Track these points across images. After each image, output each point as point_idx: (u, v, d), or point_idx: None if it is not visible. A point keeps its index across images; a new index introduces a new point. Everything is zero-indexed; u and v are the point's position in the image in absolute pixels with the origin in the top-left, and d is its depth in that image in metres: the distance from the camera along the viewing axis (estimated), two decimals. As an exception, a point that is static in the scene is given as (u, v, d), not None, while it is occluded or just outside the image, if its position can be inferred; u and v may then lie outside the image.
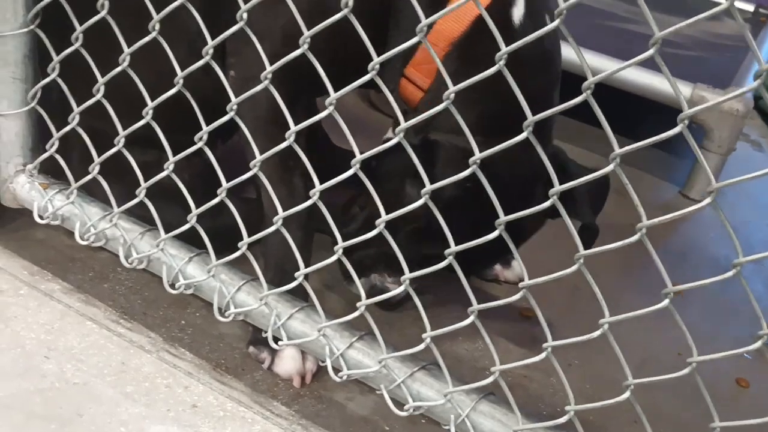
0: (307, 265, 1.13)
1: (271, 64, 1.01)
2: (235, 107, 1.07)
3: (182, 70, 1.09)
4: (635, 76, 2.09)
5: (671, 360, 1.46)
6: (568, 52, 1.04)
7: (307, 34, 0.95)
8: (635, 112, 2.16)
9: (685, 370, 0.85)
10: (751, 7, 2.82)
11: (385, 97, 0.97)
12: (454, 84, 0.87)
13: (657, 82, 2.06)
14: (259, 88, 1.03)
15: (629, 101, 2.12)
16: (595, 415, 1.30)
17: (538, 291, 0.91)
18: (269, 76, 1.01)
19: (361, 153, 0.97)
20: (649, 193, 2.16)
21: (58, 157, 1.28)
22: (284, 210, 1.08)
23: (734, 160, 2.16)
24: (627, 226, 0.81)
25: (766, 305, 1.88)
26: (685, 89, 2.03)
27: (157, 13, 1.08)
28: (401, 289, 1.02)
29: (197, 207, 1.17)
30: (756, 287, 1.80)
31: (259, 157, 1.07)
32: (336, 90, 0.97)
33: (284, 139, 1.03)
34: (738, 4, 2.89)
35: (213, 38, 1.04)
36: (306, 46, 0.96)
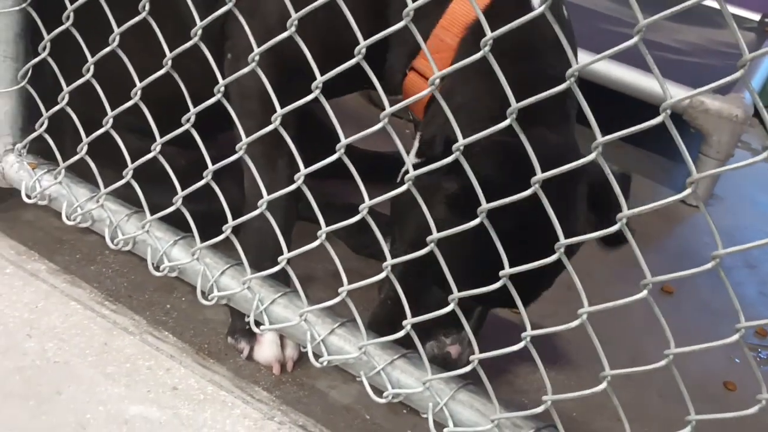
0: (288, 250, 1.12)
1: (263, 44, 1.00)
2: (222, 89, 1.07)
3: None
4: (639, 80, 2.07)
5: (660, 360, 1.45)
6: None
7: (294, 16, 0.95)
8: (637, 117, 2.15)
9: (662, 362, 0.85)
10: (756, 17, 2.81)
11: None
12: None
13: (658, 87, 2.05)
14: (246, 70, 1.02)
15: (629, 107, 2.11)
16: (579, 411, 1.29)
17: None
18: (256, 58, 1.01)
19: (355, 147, 0.96)
20: (646, 198, 2.14)
21: (46, 136, 1.28)
22: (269, 193, 1.08)
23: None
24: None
25: (760, 310, 1.86)
26: (686, 94, 2.02)
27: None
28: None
29: (193, 192, 1.16)
30: (749, 292, 1.79)
31: (245, 140, 1.07)
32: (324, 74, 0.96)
33: (270, 122, 1.03)
34: (743, 13, 2.86)
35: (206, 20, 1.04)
36: (293, 29, 0.96)
